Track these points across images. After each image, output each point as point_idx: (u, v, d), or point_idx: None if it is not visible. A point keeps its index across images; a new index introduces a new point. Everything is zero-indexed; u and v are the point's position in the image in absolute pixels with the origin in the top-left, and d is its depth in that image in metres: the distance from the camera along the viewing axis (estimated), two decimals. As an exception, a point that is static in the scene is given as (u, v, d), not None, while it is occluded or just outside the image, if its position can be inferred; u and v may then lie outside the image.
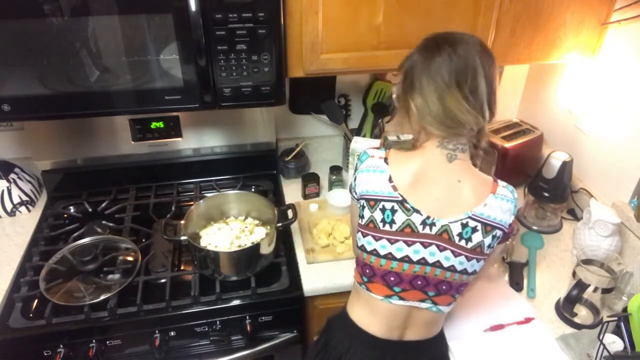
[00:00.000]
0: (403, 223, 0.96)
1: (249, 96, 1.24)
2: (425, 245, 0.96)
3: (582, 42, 1.37)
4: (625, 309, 1.03)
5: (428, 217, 0.95)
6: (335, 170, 1.64)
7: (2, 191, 1.49)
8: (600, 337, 1.02)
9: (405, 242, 0.96)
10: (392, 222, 0.96)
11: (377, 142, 1.58)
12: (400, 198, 0.95)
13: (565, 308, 1.21)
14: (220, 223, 1.41)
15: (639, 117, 1.33)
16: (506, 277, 1.34)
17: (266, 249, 1.27)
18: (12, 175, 1.51)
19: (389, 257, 0.97)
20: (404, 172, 0.97)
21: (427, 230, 0.95)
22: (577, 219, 1.53)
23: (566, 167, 1.45)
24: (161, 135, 1.56)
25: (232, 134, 1.62)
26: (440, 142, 0.96)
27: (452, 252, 0.96)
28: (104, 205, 1.52)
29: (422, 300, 1.01)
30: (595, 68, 1.46)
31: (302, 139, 1.76)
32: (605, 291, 1.16)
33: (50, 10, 1.05)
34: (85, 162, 1.57)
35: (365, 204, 0.99)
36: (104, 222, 1.48)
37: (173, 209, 1.51)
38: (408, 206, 0.95)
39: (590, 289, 1.16)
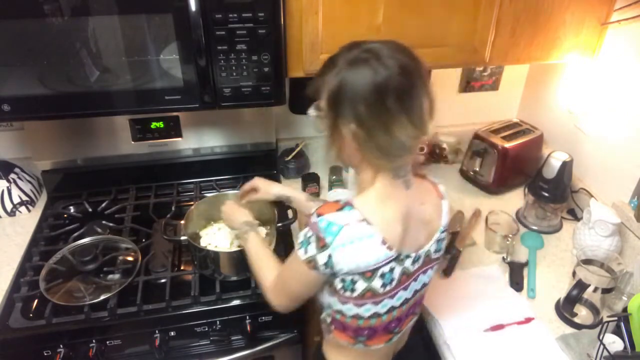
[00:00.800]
0: (400, 275, 0.90)
1: (249, 96, 1.24)
2: (416, 279, 0.96)
3: (582, 42, 1.37)
4: (625, 309, 1.03)
5: (415, 255, 0.92)
6: (335, 170, 1.64)
7: (2, 191, 1.49)
8: (600, 337, 1.02)
9: (404, 288, 0.93)
10: (392, 280, 0.89)
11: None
12: (396, 255, 0.87)
13: (565, 308, 1.21)
14: (220, 223, 1.41)
15: (639, 117, 1.33)
16: (506, 277, 1.34)
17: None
18: (12, 175, 1.51)
19: (391, 309, 0.94)
20: (391, 223, 0.87)
21: (416, 266, 0.93)
22: (577, 219, 1.53)
23: (566, 167, 1.45)
24: (161, 135, 1.56)
25: (232, 134, 1.62)
26: (394, 174, 0.87)
27: (432, 267, 0.99)
28: (104, 205, 1.52)
29: (412, 319, 1.04)
30: (595, 68, 1.46)
31: (302, 139, 1.76)
32: (605, 291, 1.16)
33: (50, 10, 1.05)
34: (85, 162, 1.57)
35: (357, 278, 0.87)
36: (104, 222, 1.48)
37: (173, 209, 1.51)
38: (402, 257, 0.89)
39: (590, 289, 1.16)
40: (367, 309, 0.91)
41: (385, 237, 0.85)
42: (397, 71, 0.80)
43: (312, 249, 0.85)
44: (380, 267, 0.86)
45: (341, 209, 0.85)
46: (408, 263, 0.91)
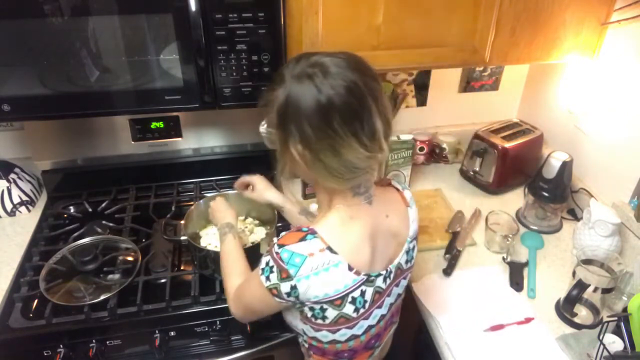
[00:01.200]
0: (372, 295, 0.88)
1: (249, 96, 1.24)
2: (389, 294, 0.94)
3: (582, 42, 1.37)
4: (625, 309, 1.03)
5: (386, 271, 0.90)
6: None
7: (2, 191, 1.49)
8: (600, 337, 1.01)
9: (378, 306, 0.92)
10: (364, 302, 0.87)
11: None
12: (365, 277, 0.85)
13: (565, 308, 1.21)
14: (220, 223, 1.41)
15: (639, 117, 1.33)
16: (506, 277, 1.34)
17: (266, 249, 1.27)
18: (12, 175, 1.51)
19: (368, 329, 0.92)
20: (357, 246, 0.84)
21: (388, 282, 0.91)
22: (577, 219, 1.53)
23: (566, 167, 1.45)
24: (161, 135, 1.56)
25: (232, 134, 1.62)
26: (353, 192, 0.85)
27: (405, 277, 0.98)
28: (104, 205, 1.52)
29: (392, 329, 1.04)
30: (595, 68, 1.46)
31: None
32: (605, 291, 1.16)
33: (50, 10, 1.05)
34: (85, 162, 1.57)
35: (326, 306, 0.84)
36: (104, 222, 1.47)
37: (173, 209, 1.50)
38: (372, 277, 0.87)
39: (590, 289, 1.16)
40: (343, 334, 0.89)
41: (352, 262, 0.82)
42: (342, 92, 0.74)
43: (274, 278, 0.82)
44: (349, 293, 0.84)
45: (303, 238, 0.81)
46: (379, 282, 0.88)
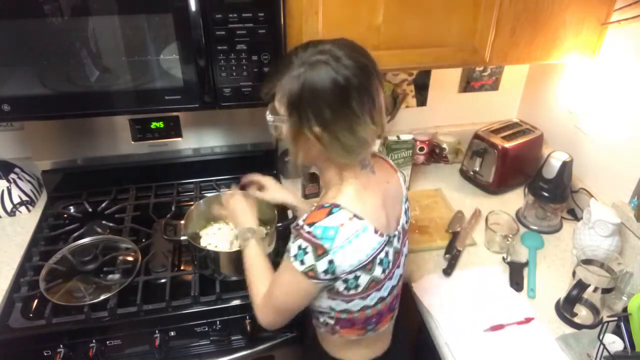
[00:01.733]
0: (393, 255, 0.95)
1: (249, 96, 1.24)
2: (401, 253, 1.00)
3: (582, 42, 1.37)
4: (625, 309, 1.03)
5: (398, 232, 0.97)
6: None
7: (2, 191, 1.49)
8: (600, 337, 1.02)
9: (397, 266, 0.98)
10: (389, 263, 0.94)
11: (377, 142, 1.56)
12: (387, 238, 0.92)
13: (565, 308, 1.21)
14: (220, 223, 1.41)
15: (639, 117, 1.33)
16: (506, 277, 1.34)
17: (266, 249, 1.27)
18: (12, 175, 1.51)
19: (391, 290, 0.99)
20: (376, 211, 0.91)
21: (399, 241, 0.98)
22: (577, 219, 1.53)
23: (566, 167, 1.45)
24: (161, 135, 1.56)
25: (232, 134, 1.62)
26: (361, 165, 0.92)
27: (406, 238, 1.04)
28: (104, 205, 1.52)
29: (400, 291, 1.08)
30: (595, 68, 1.46)
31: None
32: (605, 291, 1.16)
33: (50, 10, 1.05)
34: (85, 162, 1.57)
35: (359, 273, 0.89)
36: (104, 222, 1.47)
37: (173, 209, 1.50)
38: (391, 238, 0.93)
39: (590, 289, 1.16)
40: (373, 297, 0.94)
41: (376, 226, 0.88)
42: (357, 72, 0.81)
43: (309, 259, 0.85)
44: (377, 255, 0.90)
45: (330, 212, 0.86)
46: (396, 242, 0.96)
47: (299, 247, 0.86)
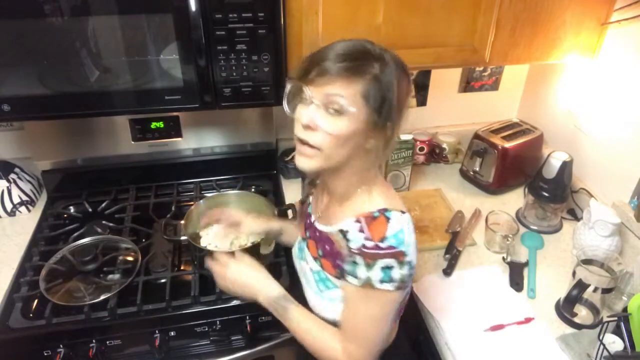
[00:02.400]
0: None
1: (249, 96, 1.24)
2: None
3: (582, 42, 1.37)
4: (625, 309, 1.03)
5: None
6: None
7: (2, 191, 1.49)
8: (600, 337, 1.02)
9: None
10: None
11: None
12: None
13: (565, 308, 1.21)
14: (220, 223, 1.41)
15: (639, 117, 1.33)
16: (506, 277, 1.34)
17: (266, 249, 1.27)
18: (12, 175, 1.51)
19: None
20: (403, 202, 0.94)
21: None
22: (577, 219, 1.53)
23: (566, 167, 1.45)
24: (161, 135, 1.56)
25: (232, 134, 1.62)
26: (378, 169, 0.97)
27: None
28: (104, 205, 1.52)
29: None
30: (595, 68, 1.46)
31: (302, 139, 1.76)
32: (605, 291, 1.16)
33: (50, 10, 1.05)
34: (85, 162, 1.57)
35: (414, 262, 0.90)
36: (104, 222, 1.47)
37: (173, 209, 1.51)
38: None
39: (590, 289, 1.16)
40: (408, 290, 0.99)
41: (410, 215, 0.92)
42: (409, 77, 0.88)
43: (396, 273, 0.85)
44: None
45: (387, 219, 0.86)
46: None
47: (383, 268, 0.84)
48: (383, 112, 0.82)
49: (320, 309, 0.98)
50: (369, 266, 0.85)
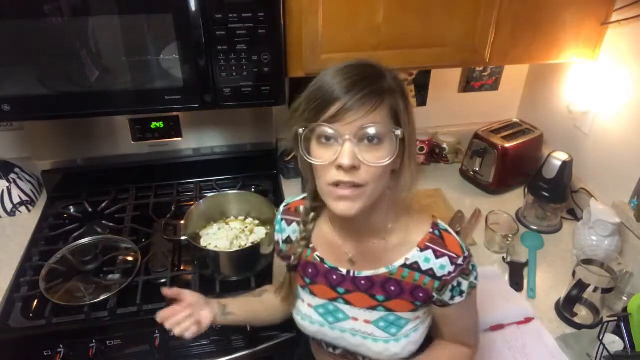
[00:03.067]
0: None
1: (249, 96, 1.24)
2: None
3: (582, 42, 1.37)
4: (625, 309, 1.03)
5: None
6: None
7: (2, 191, 1.49)
8: (600, 337, 1.02)
9: None
10: None
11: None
12: None
13: (565, 308, 1.21)
14: (220, 223, 1.41)
15: (639, 117, 1.33)
16: (506, 277, 1.34)
17: (266, 249, 1.27)
18: (12, 175, 1.51)
19: None
20: None
21: None
22: (577, 219, 1.53)
23: (566, 167, 1.45)
24: (161, 135, 1.56)
25: (232, 134, 1.62)
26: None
27: None
28: (104, 205, 1.52)
29: None
30: (595, 68, 1.46)
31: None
32: (605, 291, 1.16)
33: (50, 10, 1.05)
34: (85, 162, 1.57)
35: None
36: (104, 222, 1.47)
37: (173, 209, 1.50)
38: None
39: (590, 289, 1.16)
40: None
41: None
42: None
43: (476, 271, 0.90)
44: None
45: (445, 230, 0.89)
46: None
47: (473, 272, 0.89)
48: (404, 123, 0.78)
49: (400, 351, 0.92)
50: (467, 276, 0.88)
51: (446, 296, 0.88)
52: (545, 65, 1.63)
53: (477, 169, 1.68)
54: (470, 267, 0.88)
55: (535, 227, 1.52)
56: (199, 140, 1.61)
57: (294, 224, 0.98)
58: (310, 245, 0.95)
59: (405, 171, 0.81)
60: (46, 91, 1.16)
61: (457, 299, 0.88)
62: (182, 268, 1.37)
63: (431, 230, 0.87)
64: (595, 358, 1.04)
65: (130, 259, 1.31)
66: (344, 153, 0.73)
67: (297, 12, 1.18)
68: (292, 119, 0.80)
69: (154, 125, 1.54)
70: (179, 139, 1.58)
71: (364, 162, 0.74)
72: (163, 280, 1.27)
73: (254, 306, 1.07)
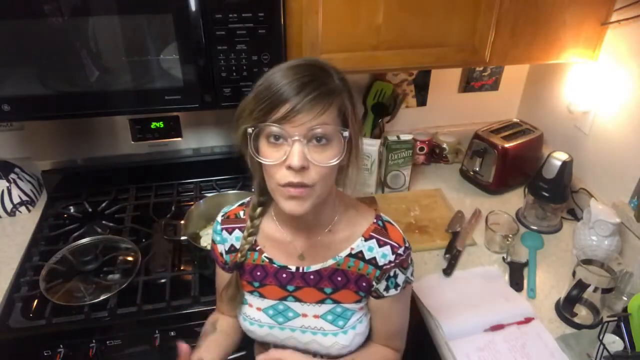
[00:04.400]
0: None
1: (249, 96, 1.24)
2: None
3: (582, 42, 1.37)
4: (625, 309, 1.03)
5: None
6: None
7: (2, 191, 1.49)
8: (600, 337, 1.01)
9: None
10: None
11: (377, 142, 1.58)
12: None
13: (565, 308, 1.21)
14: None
15: (639, 117, 1.33)
16: (506, 277, 1.34)
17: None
18: (12, 175, 1.51)
19: None
20: None
21: None
22: (577, 219, 1.53)
23: (566, 167, 1.45)
24: (161, 135, 1.56)
25: (232, 134, 1.62)
26: None
27: None
28: (104, 205, 1.52)
29: None
30: (595, 68, 1.46)
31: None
32: (605, 291, 1.16)
33: (50, 10, 1.05)
34: (85, 162, 1.57)
35: None
36: (104, 222, 1.48)
37: (173, 209, 1.51)
38: None
39: (590, 289, 1.16)
40: None
41: None
42: None
43: (413, 265, 0.96)
44: None
45: (388, 221, 0.95)
46: None
47: (411, 267, 0.94)
48: (351, 123, 0.80)
49: (349, 343, 0.94)
50: (405, 269, 0.92)
51: (382, 285, 0.92)
52: (545, 65, 1.63)
53: (477, 169, 1.68)
54: (409, 261, 0.93)
55: (535, 227, 1.52)
56: (199, 140, 1.61)
57: (236, 231, 0.97)
58: (257, 248, 0.96)
59: (352, 168, 0.85)
60: (46, 91, 1.16)
61: (392, 291, 0.92)
62: (182, 268, 1.37)
63: (375, 221, 0.92)
64: (595, 358, 1.04)
65: (130, 259, 1.31)
66: (294, 154, 0.74)
67: (297, 12, 1.18)
68: (241, 118, 0.81)
69: (154, 125, 1.54)
70: (179, 139, 1.58)
71: (313, 162, 0.76)
72: (163, 280, 1.27)
73: (220, 342, 1.02)
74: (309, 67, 0.78)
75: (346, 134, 0.78)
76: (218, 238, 0.99)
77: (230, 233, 0.97)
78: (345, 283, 0.92)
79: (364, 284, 0.92)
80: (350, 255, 0.91)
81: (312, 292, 0.94)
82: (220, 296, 1.01)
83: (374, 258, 0.90)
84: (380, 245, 0.90)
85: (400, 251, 0.90)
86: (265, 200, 0.93)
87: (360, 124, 0.85)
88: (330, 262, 0.92)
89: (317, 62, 0.81)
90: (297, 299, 0.95)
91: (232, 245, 0.97)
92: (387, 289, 0.92)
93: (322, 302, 0.94)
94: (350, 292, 0.93)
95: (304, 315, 0.95)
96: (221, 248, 0.99)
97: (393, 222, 0.94)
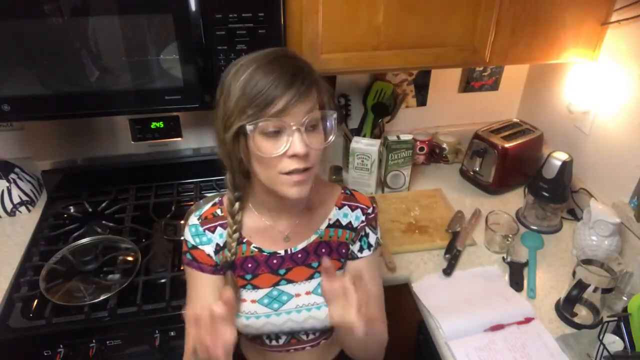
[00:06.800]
0: None
1: (249, 96, 1.24)
2: None
3: (582, 42, 1.37)
4: (625, 309, 1.03)
5: None
6: (335, 170, 1.64)
7: (2, 191, 1.49)
8: (600, 337, 1.02)
9: None
10: None
11: (377, 142, 1.58)
12: None
13: (565, 308, 1.21)
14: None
15: (639, 117, 1.33)
16: (506, 277, 1.34)
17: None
18: (12, 175, 1.51)
19: None
20: None
21: None
22: (577, 219, 1.53)
23: (566, 167, 1.45)
24: (161, 135, 1.56)
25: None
26: None
27: None
28: (104, 205, 1.52)
29: None
30: (595, 68, 1.46)
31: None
32: (605, 291, 1.16)
33: (50, 11, 1.06)
34: (85, 162, 1.57)
35: None
36: (104, 222, 1.48)
37: (173, 209, 1.51)
38: None
39: (590, 289, 1.16)
40: None
41: None
42: None
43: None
44: None
45: (353, 189, 1.05)
46: None
47: (378, 228, 1.01)
48: (335, 105, 0.89)
49: None
50: (375, 228, 1.01)
51: (356, 247, 1.00)
52: (545, 65, 1.63)
53: (477, 169, 1.68)
54: (376, 221, 1.02)
55: (535, 227, 1.52)
56: (199, 140, 1.61)
57: (219, 229, 0.96)
58: (244, 240, 0.97)
59: (328, 147, 0.90)
60: (46, 91, 1.16)
61: (365, 252, 1.01)
62: (182, 268, 1.37)
63: (343, 191, 1.02)
64: (595, 358, 1.04)
65: (130, 259, 1.31)
66: (297, 143, 0.80)
67: (297, 12, 1.18)
68: (231, 117, 0.82)
69: (154, 125, 1.54)
70: (179, 139, 1.58)
71: (312, 146, 0.82)
72: (163, 280, 1.27)
73: None
74: (289, 58, 0.84)
75: (335, 115, 0.86)
76: (204, 239, 0.96)
77: (213, 232, 0.96)
78: (329, 253, 0.99)
79: (343, 250, 1.00)
80: (329, 226, 0.99)
81: (301, 271, 0.98)
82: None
83: (350, 222, 1.00)
84: (352, 210, 1.00)
85: (369, 211, 1.01)
86: (240, 195, 0.95)
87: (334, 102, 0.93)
88: (313, 237, 0.98)
89: (289, 52, 0.87)
90: (289, 281, 0.98)
91: (217, 244, 0.96)
92: (360, 249, 1.00)
93: (311, 277, 0.98)
94: (334, 260, 0.99)
95: (297, 295, 0.98)
96: (209, 250, 0.96)
97: (357, 190, 1.05)
